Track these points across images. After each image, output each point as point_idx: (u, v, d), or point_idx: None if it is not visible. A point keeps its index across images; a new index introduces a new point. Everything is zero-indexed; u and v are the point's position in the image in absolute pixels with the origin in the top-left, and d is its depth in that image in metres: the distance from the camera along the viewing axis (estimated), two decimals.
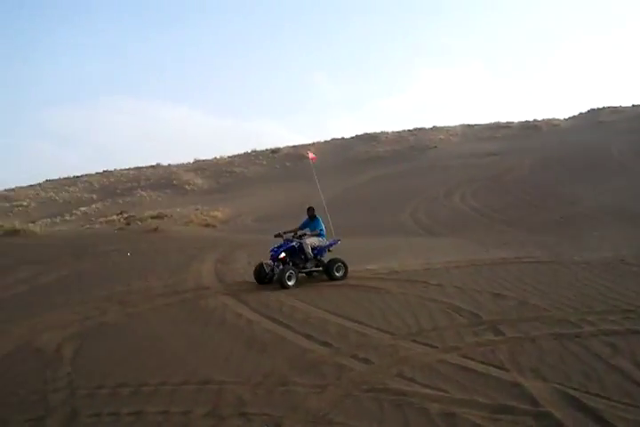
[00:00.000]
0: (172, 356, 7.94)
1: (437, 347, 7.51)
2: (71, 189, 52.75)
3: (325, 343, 7.97)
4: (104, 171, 60.10)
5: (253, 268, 12.99)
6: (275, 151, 59.10)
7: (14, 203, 48.49)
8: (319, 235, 13.27)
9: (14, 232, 24.51)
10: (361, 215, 29.34)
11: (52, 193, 51.75)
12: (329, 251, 13.37)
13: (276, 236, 13.38)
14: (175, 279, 13.95)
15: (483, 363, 6.79)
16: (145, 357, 7.99)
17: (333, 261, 12.82)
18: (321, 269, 12.93)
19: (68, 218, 41.01)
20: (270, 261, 12.59)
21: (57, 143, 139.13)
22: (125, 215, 35.84)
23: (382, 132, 62.40)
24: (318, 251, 13.15)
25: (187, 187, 47.82)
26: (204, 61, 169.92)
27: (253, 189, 45.35)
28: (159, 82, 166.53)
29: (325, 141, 63.13)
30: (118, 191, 49.46)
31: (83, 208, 44.20)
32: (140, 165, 61.03)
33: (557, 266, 13.07)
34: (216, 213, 33.72)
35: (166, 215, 33.13)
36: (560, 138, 46.21)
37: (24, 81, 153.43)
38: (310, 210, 13.70)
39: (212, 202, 39.59)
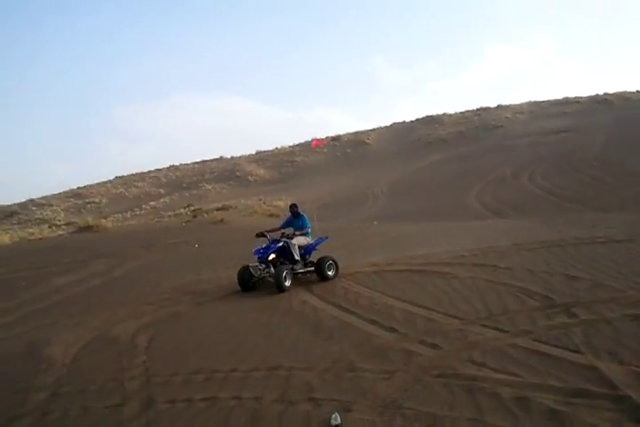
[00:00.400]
0: (242, 343, 8.07)
1: (508, 331, 7.30)
2: (140, 184, 54.59)
3: (392, 329, 7.90)
4: (170, 166, 61.81)
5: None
6: (335, 139, 59.01)
7: (87, 200, 50.70)
8: (306, 234, 12.36)
9: (88, 228, 25.62)
10: (424, 199, 28.96)
11: (122, 189, 53.73)
12: (315, 249, 12.45)
13: (258, 236, 12.27)
14: None
15: (556, 346, 6.56)
16: (216, 345, 8.17)
17: (324, 260, 11.85)
18: (313, 269, 11.93)
19: (137, 213, 42.52)
20: (258, 264, 11.55)
21: (126, 141, 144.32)
22: (192, 208, 36.77)
23: (445, 114, 61.16)
24: (306, 250, 12.24)
25: (249, 178, 48.54)
26: (263, 54, 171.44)
27: (315, 177, 45.56)
28: (221, 77, 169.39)
29: (387, 126, 62.49)
30: (185, 185, 50.77)
31: (152, 203, 45.72)
32: (205, 158, 62.36)
33: (632, 245, 12.44)
34: (279, 203, 34.06)
35: (231, 207, 33.75)
36: (632, 112, 43.88)
37: (95, 81, 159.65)
38: (293, 207, 12.65)
39: (275, 192, 40.05)
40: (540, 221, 18.69)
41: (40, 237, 28.86)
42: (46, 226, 39.52)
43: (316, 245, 12.45)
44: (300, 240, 12.11)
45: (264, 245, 11.84)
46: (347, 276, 11.84)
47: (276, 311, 9.75)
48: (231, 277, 13.30)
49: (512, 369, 5.99)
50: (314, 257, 12.28)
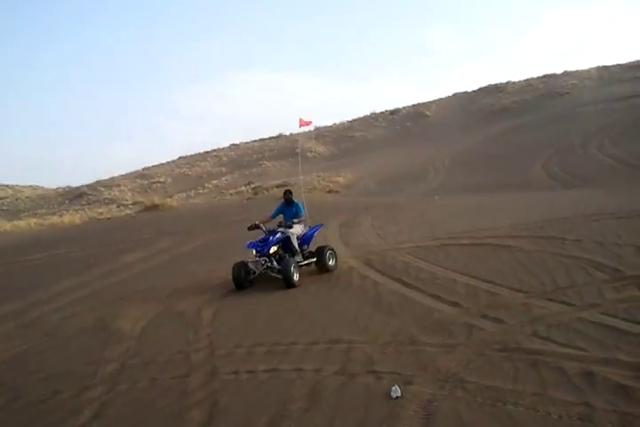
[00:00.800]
0: (302, 317, 8.15)
1: (575, 305, 7.04)
2: (202, 163, 55.70)
3: (454, 303, 7.77)
4: (231, 145, 62.69)
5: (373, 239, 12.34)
6: (394, 112, 58.21)
7: (152, 180, 52.20)
8: (301, 222, 11.32)
9: (154, 207, 26.50)
10: (488, 171, 28.22)
11: (185, 169, 54.99)
12: (313, 238, 11.53)
13: (250, 228, 11.08)
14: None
15: (625, 320, 6.27)
16: (276, 318, 8.27)
17: (324, 250, 10.98)
18: (315, 260, 10.97)
19: (200, 191, 43.46)
20: (259, 259, 10.51)
21: (188, 121, 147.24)
22: (252, 186, 37.29)
23: (508, 82, 59.03)
24: (303, 240, 11.23)
25: (308, 154, 48.55)
26: (317, 27, 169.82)
27: (374, 152, 45.14)
28: (277, 53, 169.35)
29: (447, 97, 60.96)
30: (245, 163, 51.43)
31: (214, 181, 46.59)
32: (264, 136, 62.87)
33: None
34: (338, 179, 34.04)
35: (290, 183, 33.98)
36: None
37: (158, 64, 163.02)
38: (287, 193, 11.55)
39: (334, 168, 39.97)
40: (611, 192, 17.87)
41: (108, 216, 30.05)
42: (114, 206, 41.06)
43: (313, 233, 11.53)
44: (296, 230, 11.10)
45: (261, 238, 10.76)
46: (407, 250, 11.71)
47: (335, 286, 9.79)
48: None
49: (578, 344, 5.78)
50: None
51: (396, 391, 5.11)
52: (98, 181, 55.42)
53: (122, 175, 57.84)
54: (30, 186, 76.47)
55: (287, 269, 10.04)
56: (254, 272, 10.61)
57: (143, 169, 59.07)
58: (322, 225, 12.15)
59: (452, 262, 10.18)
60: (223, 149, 61.62)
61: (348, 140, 52.33)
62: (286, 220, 11.10)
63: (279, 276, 10.23)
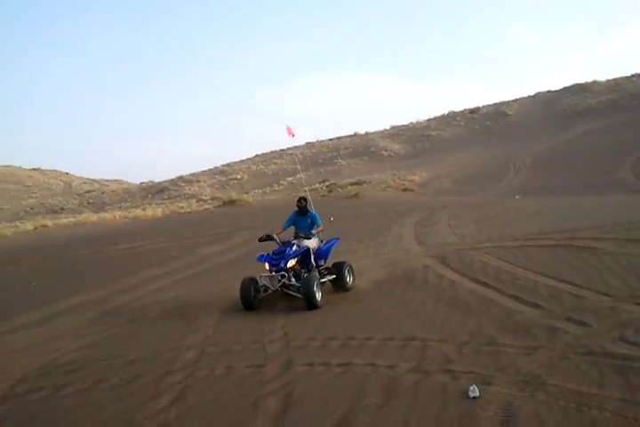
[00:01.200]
0: (377, 313, 8.11)
1: None
2: (278, 161, 56.54)
3: (535, 305, 7.50)
4: (306, 143, 63.22)
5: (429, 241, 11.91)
6: (473, 111, 56.88)
7: (230, 176, 53.50)
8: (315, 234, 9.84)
9: (231, 202, 27.14)
10: (571, 172, 27.13)
11: (261, 166, 56.02)
12: (329, 253, 10.14)
13: (261, 240, 9.78)
14: (376, 242, 14.23)
15: None
16: (350, 314, 8.27)
17: (342, 266, 9.70)
18: (335, 277, 9.68)
19: (276, 188, 44.15)
20: (274, 274, 9.07)
21: (265, 120, 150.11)
22: (327, 183, 37.49)
23: (595, 82, 56.38)
24: (320, 254, 9.84)
25: (383, 153, 48.34)
26: (394, 26, 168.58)
27: (451, 151, 44.32)
28: (351, 54, 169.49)
29: (530, 96, 58.95)
30: (320, 161, 51.75)
31: (289, 178, 47.22)
32: (340, 135, 63.04)
33: None
34: (413, 178, 33.70)
35: (365, 182, 33.96)
36: None
37: (235, 64, 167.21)
38: (302, 200, 10.04)
39: (409, 167, 39.58)
40: None
41: (188, 210, 31.02)
42: (193, 200, 42.39)
43: (331, 247, 10.11)
44: (312, 242, 9.68)
45: (275, 249, 9.37)
46: (485, 250, 11.42)
47: (411, 284, 9.67)
48: (366, 249, 13.38)
49: None
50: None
51: (474, 391, 4.98)
52: (179, 177, 57.39)
53: (201, 171, 59.64)
54: (116, 180, 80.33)
55: (309, 286, 8.62)
56: (266, 289, 9.20)
57: (222, 166, 60.67)
58: (338, 239, 10.52)
59: (533, 263, 9.84)
60: (299, 147, 62.28)
61: (424, 139, 51.63)
62: (299, 231, 9.67)
63: (298, 295, 8.90)
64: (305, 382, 5.81)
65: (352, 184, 32.70)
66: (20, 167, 79.49)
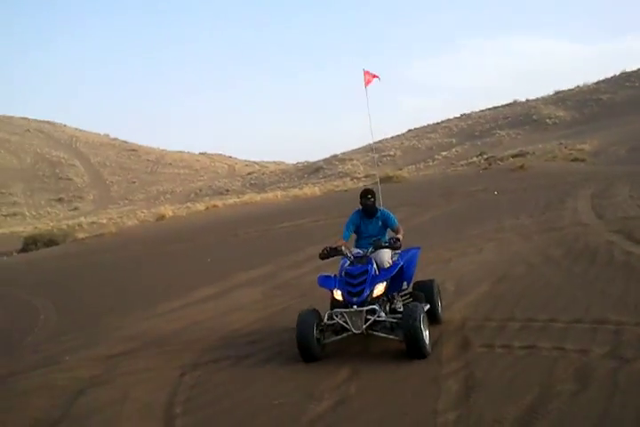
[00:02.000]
0: (558, 293, 7.54)
1: None
2: (432, 135, 55.43)
3: None
4: (462, 115, 61.21)
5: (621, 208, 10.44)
6: None
7: (382, 153, 53.45)
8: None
9: (387, 179, 27.03)
10: None
11: (414, 141, 55.28)
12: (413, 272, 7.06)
13: (323, 256, 6.66)
14: (548, 216, 13.35)
15: None
16: (528, 293, 7.78)
17: (431, 288, 6.92)
18: (429, 306, 6.56)
19: (430, 163, 43.33)
20: (355, 308, 5.95)
21: (417, 94, 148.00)
22: (485, 156, 35.99)
23: None
24: (404, 275, 6.73)
25: (547, 121, 45.25)
26: None
27: (624, 115, 40.24)
28: (504, 17, 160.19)
29: None
30: (476, 133, 49.88)
31: (443, 153, 46.09)
32: (497, 104, 60.15)
33: None
34: (583, 146, 31.19)
35: (527, 153, 32.08)
36: None
37: (382, 38, 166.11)
38: (367, 195, 6.87)
39: (577, 134, 36.70)
40: None
41: (344, 188, 31.52)
42: (348, 179, 43.01)
43: (414, 261, 7.01)
44: (387, 255, 6.68)
45: (349, 269, 6.29)
46: None
47: (593, 262, 8.91)
48: (537, 224, 12.59)
49: None
50: None
51: None
52: (333, 156, 58.52)
53: (354, 150, 60.28)
54: (274, 162, 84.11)
55: (414, 324, 5.70)
56: (339, 331, 6.22)
57: (375, 143, 60.81)
58: (420, 248, 7.39)
59: None
60: (453, 119, 60.42)
61: (592, 104, 47.41)
62: (366, 238, 6.91)
63: (395, 337, 5.98)
64: (484, 364, 5.54)
65: (514, 156, 30.97)
66: (189, 152, 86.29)
